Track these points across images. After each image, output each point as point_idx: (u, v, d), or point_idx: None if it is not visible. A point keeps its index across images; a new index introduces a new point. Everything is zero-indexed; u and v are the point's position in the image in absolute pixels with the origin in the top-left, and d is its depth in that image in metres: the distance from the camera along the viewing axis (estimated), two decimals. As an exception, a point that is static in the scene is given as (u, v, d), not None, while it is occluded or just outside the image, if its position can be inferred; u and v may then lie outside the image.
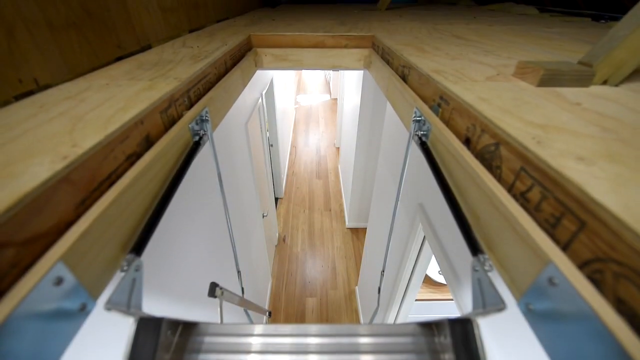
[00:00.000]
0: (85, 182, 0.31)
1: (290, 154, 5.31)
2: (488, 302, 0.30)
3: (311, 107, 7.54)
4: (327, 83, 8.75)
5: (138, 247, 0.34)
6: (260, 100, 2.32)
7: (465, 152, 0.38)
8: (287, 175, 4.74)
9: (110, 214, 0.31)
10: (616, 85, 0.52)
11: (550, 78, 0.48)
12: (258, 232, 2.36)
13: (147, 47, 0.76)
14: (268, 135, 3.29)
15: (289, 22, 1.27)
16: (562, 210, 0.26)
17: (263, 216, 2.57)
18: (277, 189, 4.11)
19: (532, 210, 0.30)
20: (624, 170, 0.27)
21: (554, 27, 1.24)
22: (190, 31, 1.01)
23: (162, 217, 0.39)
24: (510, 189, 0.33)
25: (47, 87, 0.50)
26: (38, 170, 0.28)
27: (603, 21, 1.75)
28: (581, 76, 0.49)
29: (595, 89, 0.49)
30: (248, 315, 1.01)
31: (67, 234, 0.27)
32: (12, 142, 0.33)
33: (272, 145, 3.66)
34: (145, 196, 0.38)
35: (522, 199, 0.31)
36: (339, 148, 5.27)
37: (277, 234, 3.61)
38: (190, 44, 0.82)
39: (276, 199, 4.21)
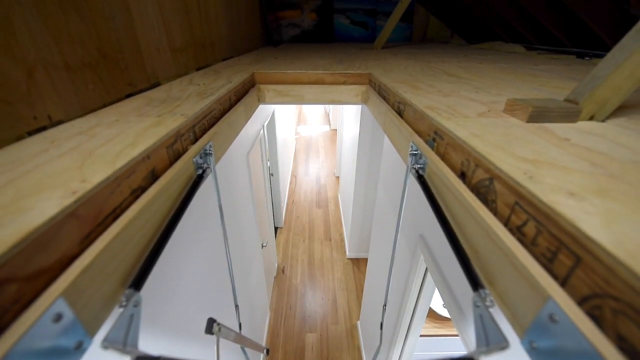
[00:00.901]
0: (92, 216, 0.32)
1: (290, 183, 5.35)
2: (491, 340, 0.29)
3: (311, 137, 7.71)
4: (327, 114, 9.03)
5: (137, 282, 0.34)
6: (261, 131, 2.38)
7: (461, 186, 0.39)
8: (287, 204, 4.73)
9: (113, 249, 0.32)
10: (602, 121, 0.54)
11: (539, 114, 0.51)
12: (257, 263, 2.31)
13: (156, 84, 0.80)
14: (269, 164, 3.34)
15: (290, 60, 1.35)
16: (558, 245, 0.27)
17: (262, 246, 2.54)
18: (276, 218, 4.09)
19: (529, 244, 0.30)
20: (614, 205, 0.28)
21: (541, 65, 1.31)
22: (198, 69, 1.07)
23: (163, 251, 0.39)
24: (506, 223, 0.33)
25: (59, 122, 0.53)
26: (47, 206, 0.29)
27: (587, 58, 1.86)
28: (568, 113, 0.51)
29: (582, 124, 0.52)
30: (245, 353, 0.96)
31: (70, 269, 0.27)
32: (23, 177, 0.34)
33: (272, 175, 3.70)
34: (148, 229, 0.38)
35: (518, 233, 0.32)
36: (338, 177, 5.32)
37: (276, 265, 3.53)
38: (197, 81, 0.86)
39: (276, 229, 4.17)
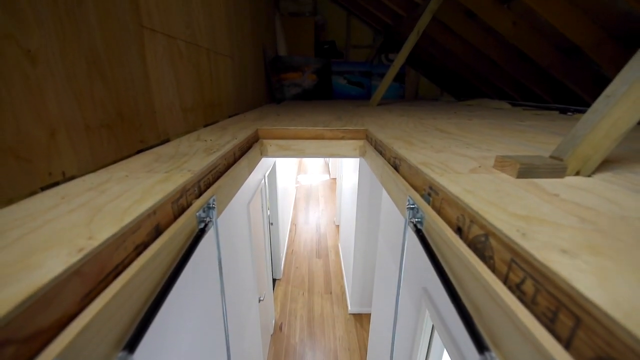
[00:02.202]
0: (95, 274, 0.32)
1: (290, 232, 5.27)
2: (502, 411, 0.27)
3: (311, 186, 7.81)
4: (327, 164, 9.26)
5: (132, 344, 0.33)
6: (263, 180, 2.44)
7: (458, 241, 0.40)
8: (286, 254, 4.61)
9: (111, 308, 0.31)
10: (589, 176, 0.57)
11: (527, 171, 0.54)
12: (253, 320, 2.17)
13: (165, 141, 0.85)
14: (269, 213, 3.34)
15: (292, 117, 1.44)
16: (557, 305, 0.27)
17: (259, 300, 2.41)
18: (275, 269, 3.95)
19: (530, 303, 0.30)
20: (607, 263, 0.29)
21: (526, 121, 1.40)
22: (205, 125, 1.14)
23: (159, 310, 0.38)
24: (505, 281, 0.34)
25: (72, 178, 0.55)
26: (53, 264, 0.29)
27: (570, 113, 1.99)
28: (554, 169, 0.54)
29: (570, 179, 0.54)
30: None
31: (67, 330, 0.27)
32: (33, 233, 0.35)
33: (272, 224, 3.67)
34: (147, 287, 0.38)
35: (518, 291, 0.32)
36: (338, 226, 5.26)
37: (273, 321, 3.31)
38: (205, 137, 0.92)
39: (274, 280, 4.00)
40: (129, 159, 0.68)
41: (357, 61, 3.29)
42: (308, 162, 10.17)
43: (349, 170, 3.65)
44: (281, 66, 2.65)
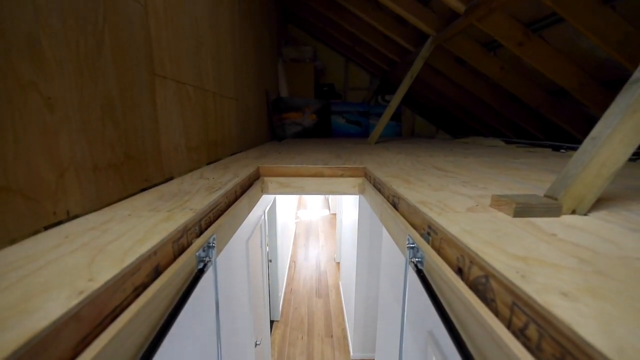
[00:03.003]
0: (92, 317, 0.32)
1: (289, 269, 5.11)
2: None
3: (311, 221, 7.74)
4: (327, 199, 9.26)
5: (123, 395, 0.31)
6: (262, 217, 2.42)
7: (459, 283, 0.40)
8: (285, 293, 4.43)
9: (107, 353, 0.30)
10: (585, 215, 0.58)
11: (523, 210, 0.55)
12: (248, 367, 2.02)
13: (169, 179, 0.87)
14: (268, 250, 3.27)
15: (292, 155, 1.48)
16: (562, 352, 0.26)
17: (256, 344, 2.27)
18: (273, 310, 3.77)
19: (535, 349, 0.29)
20: (607, 306, 0.29)
21: (520, 158, 1.44)
22: (208, 163, 1.17)
23: (155, 354, 0.37)
24: (509, 325, 0.33)
25: (76, 217, 0.56)
26: (52, 307, 0.29)
27: (563, 151, 2.04)
28: (550, 208, 0.55)
29: (566, 218, 0.55)
30: None
31: (59, 380, 0.26)
32: (34, 274, 0.35)
33: (270, 261, 3.58)
34: (144, 330, 0.37)
35: (522, 337, 0.31)
36: (339, 263, 5.12)
37: (269, 369, 3.08)
38: (207, 175, 0.94)
39: (272, 322, 3.80)
40: (133, 197, 0.69)
41: (355, 102, 3.46)
42: (308, 197, 10.18)
43: (348, 206, 3.65)
44: (283, 106, 2.78)
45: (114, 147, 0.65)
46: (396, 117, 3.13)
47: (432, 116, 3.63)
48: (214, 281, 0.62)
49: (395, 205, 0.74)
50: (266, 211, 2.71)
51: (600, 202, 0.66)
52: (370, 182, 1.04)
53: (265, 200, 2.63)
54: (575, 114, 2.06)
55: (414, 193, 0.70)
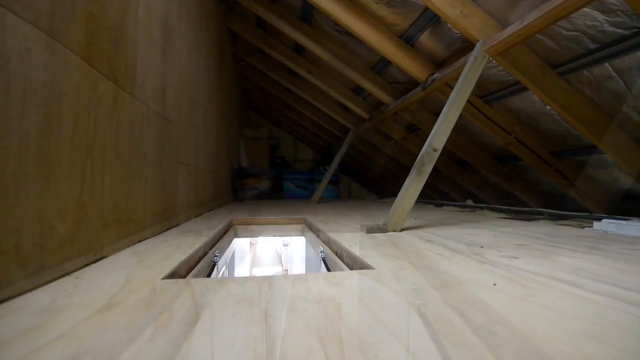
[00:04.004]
0: (186, 267, 0.84)
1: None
2: None
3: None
4: (279, 256, 9.41)
5: None
6: (224, 269, 2.79)
7: (335, 257, 1.00)
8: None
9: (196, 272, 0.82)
10: (399, 231, 1.24)
11: (370, 230, 1.19)
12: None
13: (176, 225, 1.37)
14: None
15: (254, 211, 2.05)
16: (352, 261, 0.87)
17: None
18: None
19: (345, 262, 0.90)
20: (374, 252, 0.91)
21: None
22: (196, 216, 1.68)
23: None
24: (341, 259, 0.93)
25: (147, 238, 1.05)
26: (177, 258, 0.81)
27: (444, 207, 2.91)
28: (382, 229, 1.21)
29: (390, 233, 1.21)
30: None
31: None
32: (165, 251, 0.86)
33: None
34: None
35: (343, 260, 0.91)
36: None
37: None
38: (200, 222, 1.46)
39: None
40: (167, 231, 1.19)
41: (302, 171, 4.24)
42: (262, 254, 10.19)
43: (297, 261, 4.11)
44: (244, 174, 3.38)
45: (160, 203, 1.18)
46: (334, 182, 3.93)
47: (363, 182, 4.54)
48: (215, 273, 1.12)
49: (317, 234, 1.34)
50: (227, 262, 3.06)
51: (408, 227, 1.34)
52: (307, 226, 1.64)
53: (227, 254, 3.01)
54: (450, 181, 3.00)
55: (328, 227, 1.32)
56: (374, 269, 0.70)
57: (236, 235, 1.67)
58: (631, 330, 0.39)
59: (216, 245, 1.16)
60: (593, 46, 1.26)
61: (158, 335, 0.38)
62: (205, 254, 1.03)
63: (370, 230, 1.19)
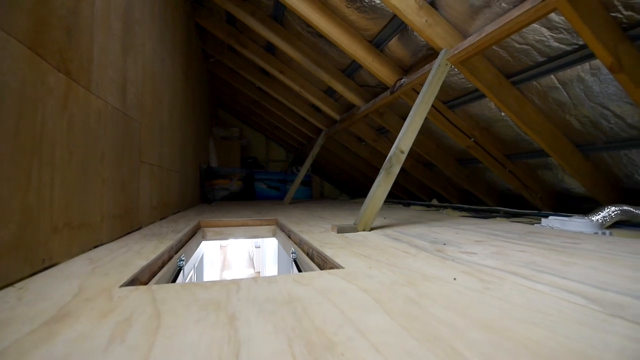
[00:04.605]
0: (148, 272, 0.80)
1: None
2: None
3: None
4: (251, 259, 9.22)
5: None
6: (192, 272, 2.68)
7: (305, 256, 1.00)
8: None
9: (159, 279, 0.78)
10: (369, 231, 1.27)
11: (341, 229, 1.20)
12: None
13: (141, 227, 1.30)
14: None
15: (224, 212, 1.99)
16: (322, 260, 0.88)
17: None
18: None
19: (317, 262, 0.90)
20: (343, 251, 0.92)
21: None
22: (161, 219, 1.59)
23: None
24: (312, 259, 0.93)
25: (106, 243, 0.98)
26: (138, 263, 0.77)
27: (410, 206, 3.03)
28: (353, 228, 1.23)
29: (360, 232, 1.23)
30: None
31: None
32: (123, 257, 0.81)
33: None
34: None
35: (314, 261, 0.92)
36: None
37: None
38: (166, 225, 1.39)
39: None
40: (129, 235, 1.12)
41: (274, 171, 4.18)
42: (233, 257, 9.92)
43: (270, 263, 4.05)
44: (213, 175, 3.27)
45: (121, 205, 1.11)
46: (307, 183, 3.93)
47: (336, 182, 4.59)
48: (181, 278, 1.07)
49: (289, 235, 1.33)
50: (195, 266, 2.94)
51: (378, 226, 1.38)
52: (279, 227, 1.63)
53: (195, 257, 2.90)
54: (417, 182, 3.13)
55: (299, 228, 1.31)
56: (343, 268, 0.71)
57: (205, 238, 1.62)
58: (573, 318, 0.43)
59: (182, 249, 1.12)
60: (541, 59, 1.38)
61: (114, 346, 0.35)
62: (170, 259, 0.98)
63: (341, 230, 1.21)
